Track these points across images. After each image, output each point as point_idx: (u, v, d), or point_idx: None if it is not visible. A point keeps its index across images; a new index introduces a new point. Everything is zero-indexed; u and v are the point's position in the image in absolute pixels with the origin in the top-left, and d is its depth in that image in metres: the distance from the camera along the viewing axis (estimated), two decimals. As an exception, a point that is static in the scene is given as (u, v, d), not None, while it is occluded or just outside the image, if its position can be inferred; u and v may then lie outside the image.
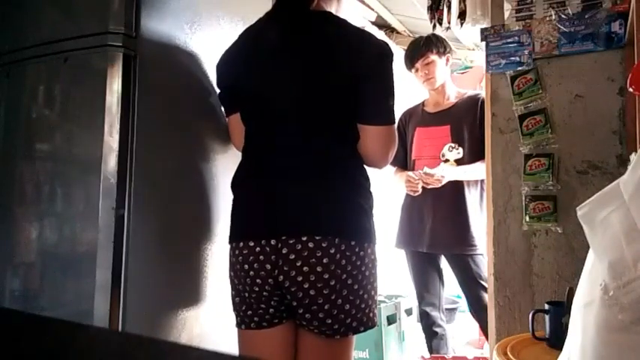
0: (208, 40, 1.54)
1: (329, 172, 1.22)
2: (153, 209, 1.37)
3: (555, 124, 1.67)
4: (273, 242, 1.17)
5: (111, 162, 1.28)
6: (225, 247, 1.39)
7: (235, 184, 1.33)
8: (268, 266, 1.18)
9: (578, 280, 0.83)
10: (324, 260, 1.14)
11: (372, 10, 3.42)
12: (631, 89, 1.09)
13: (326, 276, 1.14)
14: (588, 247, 0.81)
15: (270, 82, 1.27)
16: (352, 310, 1.18)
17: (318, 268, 1.14)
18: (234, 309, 1.29)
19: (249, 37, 1.34)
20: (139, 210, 1.31)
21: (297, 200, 1.20)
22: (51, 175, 1.38)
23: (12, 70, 1.45)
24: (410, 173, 2.31)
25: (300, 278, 1.15)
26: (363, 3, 3.30)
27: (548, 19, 1.68)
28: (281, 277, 1.17)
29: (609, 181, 0.79)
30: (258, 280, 1.20)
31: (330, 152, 1.23)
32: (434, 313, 2.42)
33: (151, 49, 1.37)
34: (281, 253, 1.16)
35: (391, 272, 3.04)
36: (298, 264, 1.15)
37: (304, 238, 1.15)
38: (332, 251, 1.15)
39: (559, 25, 1.66)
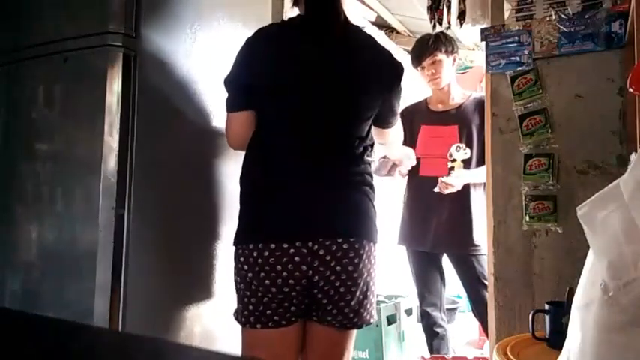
0: (208, 40, 1.54)
1: (353, 176, 1.31)
2: (153, 209, 1.37)
3: (555, 124, 1.66)
4: (309, 244, 1.22)
5: (111, 162, 1.28)
6: (226, 246, 1.39)
7: (251, 183, 1.31)
8: (304, 267, 1.23)
9: (578, 280, 0.83)
10: (355, 260, 1.25)
11: (372, 10, 3.41)
12: (631, 89, 1.09)
13: (355, 275, 1.25)
14: (588, 247, 0.81)
15: (300, 86, 1.29)
16: (368, 305, 1.31)
17: (350, 268, 1.25)
18: (245, 309, 1.26)
19: (280, 38, 1.33)
20: (139, 210, 1.31)
21: (330, 203, 1.27)
22: (51, 175, 1.38)
23: (12, 70, 1.45)
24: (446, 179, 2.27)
25: (333, 277, 1.24)
26: (363, 3, 3.30)
27: (548, 19, 1.68)
28: (316, 277, 1.24)
29: (609, 181, 0.79)
30: (290, 281, 1.23)
31: (349, 156, 1.32)
32: (435, 313, 2.42)
33: (151, 49, 1.37)
34: (317, 254, 1.23)
35: (391, 272, 3.05)
36: (332, 264, 1.23)
37: (339, 240, 1.24)
38: (361, 252, 1.26)
39: (559, 25, 1.66)
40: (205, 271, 1.51)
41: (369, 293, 1.30)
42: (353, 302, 1.26)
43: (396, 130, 1.57)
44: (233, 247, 1.31)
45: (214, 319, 1.52)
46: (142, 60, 1.34)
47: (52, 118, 1.40)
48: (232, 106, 1.33)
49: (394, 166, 2.24)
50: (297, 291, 1.24)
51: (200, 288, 1.50)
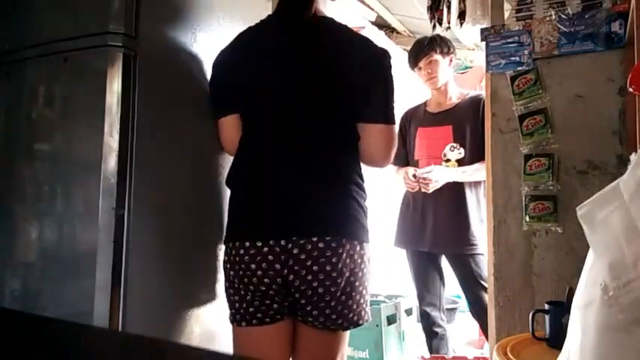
0: (208, 40, 1.54)
1: (331, 173, 1.28)
2: (153, 209, 1.37)
3: (555, 124, 1.66)
4: (282, 242, 1.21)
5: (111, 162, 1.28)
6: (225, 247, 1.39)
7: (235, 183, 1.34)
8: (278, 266, 1.22)
9: (578, 280, 0.83)
10: (333, 260, 1.21)
11: (372, 10, 3.42)
12: (631, 89, 1.09)
13: (334, 274, 1.21)
14: (588, 247, 0.81)
15: (278, 83, 1.29)
16: (354, 306, 1.26)
17: (327, 267, 1.21)
18: (232, 307, 1.30)
19: (255, 38, 1.34)
20: (139, 210, 1.31)
21: (306, 201, 1.24)
22: (51, 175, 1.38)
23: (12, 70, 1.45)
24: (409, 170, 2.31)
25: (309, 277, 1.21)
26: (363, 3, 3.30)
27: (548, 19, 1.68)
28: (291, 276, 1.22)
29: (609, 181, 0.79)
30: (265, 280, 1.22)
31: (332, 153, 1.28)
32: (434, 313, 2.42)
33: (151, 49, 1.37)
34: (291, 253, 1.21)
35: (391, 272, 3.04)
36: (308, 263, 1.20)
37: (314, 239, 1.21)
38: (340, 251, 1.22)
39: (559, 25, 1.66)
40: (205, 271, 1.51)
41: (353, 294, 1.25)
42: (333, 303, 1.22)
43: (379, 134, 1.30)
44: None
45: (214, 319, 1.52)
46: (142, 60, 1.34)
47: (52, 118, 1.40)
48: (217, 112, 1.39)
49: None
50: (274, 290, 1.23)
51: (200, 288, 1.50)
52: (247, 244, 1.24)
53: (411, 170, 2.31)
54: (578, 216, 0.82)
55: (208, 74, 1.52)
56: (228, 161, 1.55)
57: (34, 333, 0.44)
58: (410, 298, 2.82)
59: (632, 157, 1.14)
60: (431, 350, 2.43)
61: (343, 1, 2.78)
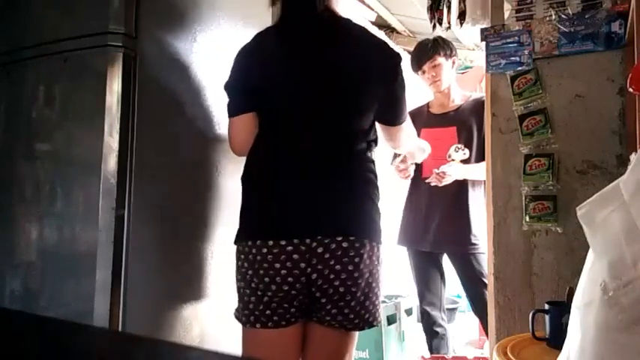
0: (208, 40, 1.54)
1: (352, 174, 1.29)
2: (153, 209, 1.37)
3: (555, 124, 1.66)
4: (308, 241, 1.21)
5: (111, 162, 1.28)
6: (226, 247, 1.38)
7: (255, 181, 1.31)
8: (303, 264, 1.22)
9: (578, 280, 0.83)
10: (356, 260, 1.23)
11: (372, 10, 3.41)
12: (631, 89, 1.08)
13: (356, 274, 1.23)
14: (588, 247, 0.81)
15: (299, 84, 1.28)
16: (370, 307, 1.28)
17: (350, 267, 1.23)
18: (245, 308, 1.26)
19: (274, 38, 1.33)
20: (139, 210, 1.31)
21: (330, 201, 1.25)
22: (51, 175, 1.38)
23: (12, 70, 1.45)
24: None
25: (332, 276, 1.22)
26: (363, 3, 3.30)
27: (548, 19, 1.68)
28: (314, 275, 1.22)
29: (609, 181, 0.79)
30: (289, 279, 1.22)
31: (352, 154, 1.30)
32: (435, 313, 2.42)
33: (151, 49, 1.37)
34: (316, 252, 1.21)
35: (391, 272, 3.05)
36: (332, 262, 1.22)
37: (339, 238, 1.22)
38: (362, 252, 1.24)
39: (559, 25, 1.66)
40: (205, 271, 1.51)
41: (370, 295, 1.28)
42: (353, 303, 1.24)
43: (407, 130, 1.49)
44: (234, 247, 1.31)
45: (214, 319, 1.52)
46: (142, 60, 1.34)
47: (52, 118, 1.40)
48: (233, 110, 1.34)
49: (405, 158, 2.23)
50: (296, 290, 1.23)
51: (200, 288, 1.50)
52: (270, 242, 1.22)
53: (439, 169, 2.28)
54: (578, 216, 0.82)
55: (208, 73, 1.52)
56: (228, 160, 1.55)
57: (34, 333, 0.44)
58: (410, 298, 2.82)
59: (632, 157, 1.14)
60: (431, 350, 2.43)
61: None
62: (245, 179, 1.33)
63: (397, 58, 1.36)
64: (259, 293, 1.23)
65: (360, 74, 1.30)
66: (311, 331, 1.30)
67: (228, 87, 1.33)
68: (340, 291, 1.23)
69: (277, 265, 1.21)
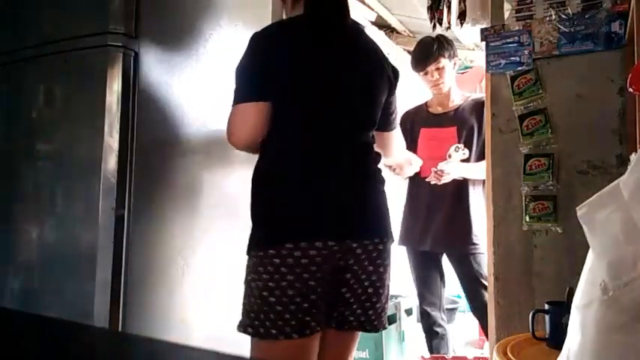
0: (208, 40, 1.54)
1: (375, 176, 1.30)
2: (153, 209, 1.37)
3: (555, 124, 1.66)
4: (348, 242, 1.20)
5: (111, 162, 1.28)
6: (225, 247, 1.38)
7: (294, 182, 1.20)
8: (342, 263, 1.19)
9: (578, 280, 0.83)
10: (385, 261, 1.25)
11: (372, 10, 3.41)
12: (631, 89, 1.09)
13: (384, 276, 1.25)
14: (588, 247, 0.81)
15: (333, 83, 1.24)
16: (386, 308, 1.30)
17: (380, 269, 1.24)
18: (266, 319, 1.14)
19: (304, 30, 1.24)
20: (139, 210, 1.31)
21: (363, 202, 1.24)
22: (51, 175, 1.38)
23: (12, 70, 1.46)
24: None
25: (364, 277, 1.22)
26: (363, 3, 3.30)
27: (548, 19, 1.68)
28: (348, 274, 1.21)
29: (609, 181, 0.79)
30: (323, 282, 1.15)
31: (371, 158, 1.31)
32: (434, 313, 2.42)
33: (151, 49, 1.37)
34: (354, 253, 1.20)
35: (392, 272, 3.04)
36: (366, 263, 1.21)
37: (376, 240, 1.23)
38: (388, 253, 1.26)
39: (559, 25, 1.66)
40: (205, 271, 1.51)
41: (388, 296, 1.29)
42: (378, 304, 1.25)
43: (399, 137, 1.52)
44: (235, 247, 1.30)
45: (214, 319, 1.52)
46: (142, 60, 1.34)
47: (52, 118, 1.40)
48: (244, 96, 1.18)
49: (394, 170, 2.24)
50: (327, 293, 1.17)
51: (200, 288, 1.50)
52: (319, 243, 1.14)
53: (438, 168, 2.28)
54: (578, 216, 0.82)
55: (208, 73, 1.52)
56: (229, 160, 1.55)
57: (34, 333, 0.44)
58: (410, 298, 2.82)
59: (632, 157, 1.14)
60: (431, 350, 2.43)
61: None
62: (272, 178, 1.22)
63: (398, 72, 1.40)
64: (284, 300, 1.13)
65: (376, 82, 1.31)
66: (325, 337, 1.26)
67: (244, 70, 1.19)
68: (369, 292, 1.23)
69: (313, 268, 1.14)
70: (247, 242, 1.19)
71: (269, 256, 1.14)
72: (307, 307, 1.14)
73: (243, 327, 1.18)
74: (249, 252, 1.19)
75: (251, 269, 1.17)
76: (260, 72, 1.19)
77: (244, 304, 1.19)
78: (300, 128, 1.22)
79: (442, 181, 2.24)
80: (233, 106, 1.19)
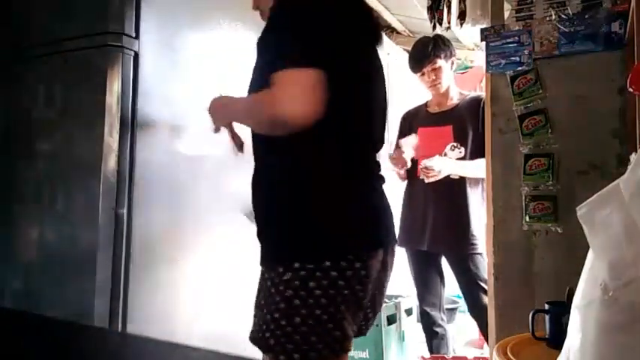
0: (208, 40, 1.54)
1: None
2: (153, 209, 1.37)
3: (555, 124, 1.66)
4: (389, 249, 1.18)
5: (111, 162, 1.28)
6: (225, 247, 1.38)
7: (347, 187, 1.08)
8: (383, 273, 1.17)
9: (578, 280, 0.83)
10: (393, 267, 1.23)
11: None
12: (631, 89, 1.09)
13: (389, 281, 1.23)
14: (588, 247, 0.81)
15: (373, 78, 1.19)
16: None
17: (390, 276, 1.22)
18: (320, 341, 0.99)
19: (354, 22, 1.11)
20: (139, 210, 1.31)
21: (388, 207, 1.20)
22: (51, 175, 1.38)
23: (12, 70, 1.45)
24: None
25: (385, 283, 1.21)
26: (363, 3, 3.30)
27: (548, 19, 1.68)
28: (377, 282, 1.14)
29: (609, 181, 0.79)
30: (371, 293, 1.10)
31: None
32: (434, 313, 2.42)
33: (151, 49, 1.37)
34: (387, 261, 1.18)
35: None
36: (388, 272, 1.21)
37: (396, 247, 1.23)
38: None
39: (559, 25, 1.66)
40: (205, 271, 1.51)
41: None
42: (379, 308, 1.23)
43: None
44: (236, 248, 1.30)
45: (214, 319, 1.52)
46: (142, 60, 1.34)
47: (52, 118, 1.40)
48: (300, 59, 0.95)
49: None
50: (370, 301, 1.13)
51: (200, 288, 1.50)
52: (372, 253, 1.07)
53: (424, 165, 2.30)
54: (578, 216, 0.82)
55: (208, 73, 1.52)
56: (229, 160, 1.55)
57: (34, 333, 0.44)
58: (410, 298, 2.82)
59: (632, 157, 1.14)
60: (431, 350, 2.43)
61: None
62: (315, 174, 1.05)
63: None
64: (347, 313, 1.02)
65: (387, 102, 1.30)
66: None
67: (297, 29, 0.98)
68: (382, 298, 1.23)
69: (373, 277, 1.08)
70: (276, 251, 1.04)
71: (324, 269, 0.98)
72: (351, 322, 1.04)
73: (286, 355, 0.98)
74: (283, 262, 1.00)
75: (292, 284, 0.98)
76: (315, 36, 0.98)
77: (280, 326, 0.99)
78: (339, 117, 1.02)
79: (432, 178, 2.24)
80: (299, 68, 0.95)
